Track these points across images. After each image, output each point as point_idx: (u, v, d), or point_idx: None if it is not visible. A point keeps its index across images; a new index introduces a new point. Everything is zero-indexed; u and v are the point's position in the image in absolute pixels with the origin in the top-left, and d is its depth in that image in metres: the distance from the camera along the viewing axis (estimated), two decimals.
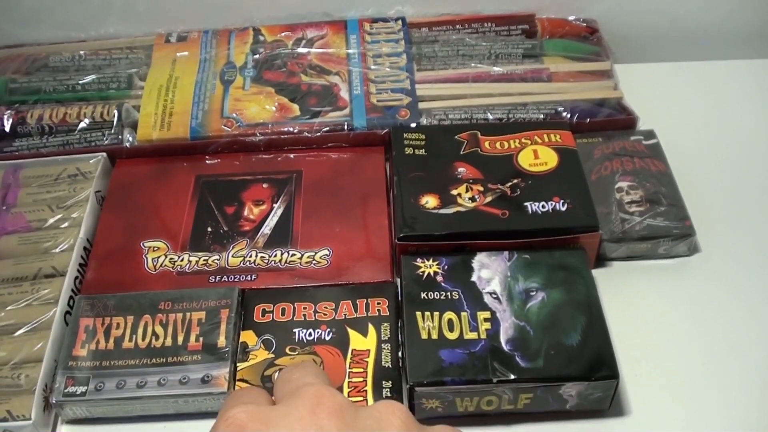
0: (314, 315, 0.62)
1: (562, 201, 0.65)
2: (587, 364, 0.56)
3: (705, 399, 0.59)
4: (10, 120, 0.77)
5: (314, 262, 0.66)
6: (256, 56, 0.81)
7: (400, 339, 0.60)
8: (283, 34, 0.83)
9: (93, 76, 0.80)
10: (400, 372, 0.59)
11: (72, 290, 0.66)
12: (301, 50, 0.81)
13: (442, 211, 0.65)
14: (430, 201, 0.66)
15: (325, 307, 0.63)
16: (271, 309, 0.63)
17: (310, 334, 0.61)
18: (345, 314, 0.62)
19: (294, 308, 0.63)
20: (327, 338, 0.61)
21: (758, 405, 0.59)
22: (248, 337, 0.61)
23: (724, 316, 0.64)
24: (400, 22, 0.83)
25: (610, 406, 0.58)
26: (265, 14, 0.84)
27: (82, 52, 0.84)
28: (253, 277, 0.65)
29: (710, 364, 0.61)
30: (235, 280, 0.65)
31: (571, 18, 0.84)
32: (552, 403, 0.57)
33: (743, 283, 0.66)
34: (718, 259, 0.68)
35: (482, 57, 0.80)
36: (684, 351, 0.62)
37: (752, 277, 0.67)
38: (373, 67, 0.79)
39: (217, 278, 0.65)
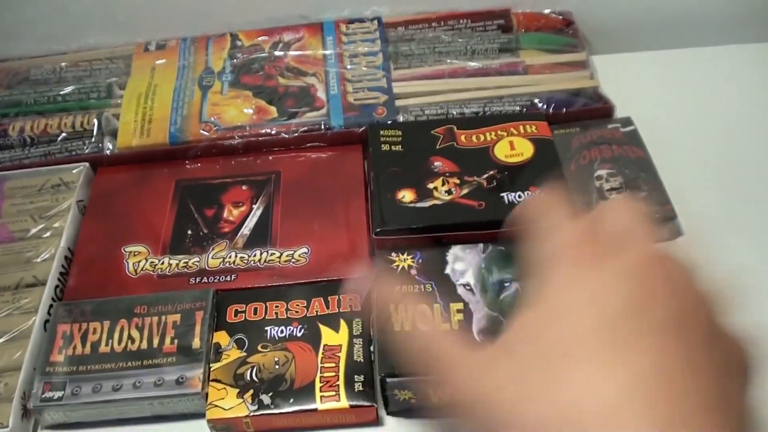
0: (286, 313, 0.62)
1: (538, 190, 0.65)
2: None
3: None
4: None
5: (293, 260, 0.66)
6: (234, 61, 0.81)
7: (371, 334, 0.60)
8: (260, 38, 0.83)
9: (73, 87, 0.81)
10: (372, 366, 0.59)
11: (52, 299, 0.66)
12: (278, 53, 0.81)
13: (418, 204, 0.65)
14: (406, 195, 0.66)
15: (296, 305, 0.63)
16: (244, 309, 0.63)
17: (281, 332, 0.61)
18: (317, 311, 0.62)
19: (266, 307, 0.63)
20: (298, 334, 0.61)
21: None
22: (221, 337, 0.61)
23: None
24: (376, 22, 0.84)
25: None
26: (243, 19, 0.85)
27: (63, 64, 0.85)
28: (232, 277, 0.65)
29: None
30: (215, 281, 0.65)
31: (547, 11, 0.84)
32: None
33: (726, 264, 0.65)
34: (702, 241, 0.67)
35: (458, 53, 0.80)
36: None
37: (736, 258, 0.66)
38: (349, 67, 0.79)
39: (198, 280, 0.65)
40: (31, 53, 0.87)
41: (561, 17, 0.84)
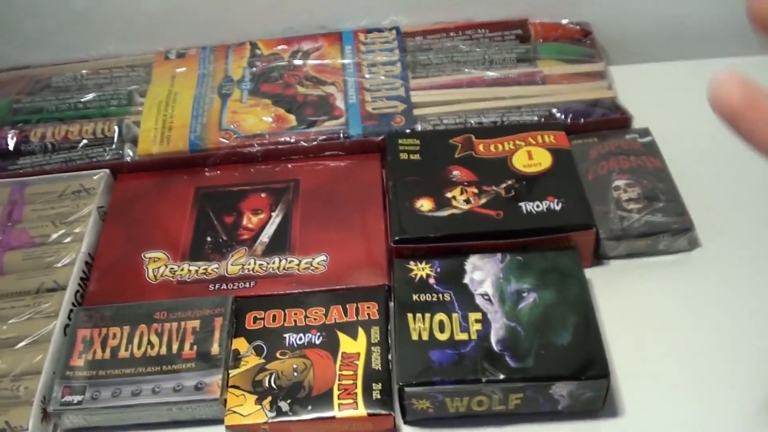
0: (305, 320, 0.63)
1: (556, 200, 0.65)
2: (578, 363, 0.56)
3: (702, 398, 0.59)
4: (14, 139, 0.78)
5: (312, 267, 0.66)
6: (253, 69, 0.82)
7: (389, 342, 0.60)
8: (279, 47, 0.84)
9: (94, 94, 0.82)
10: (390, 374, 0.59)
11: (72, 303, 0.67)
12: (297, 62, 0.82)
13: (436, 213, 0.65)
14: (424, 204, 0.66)
15: (315, 312, 0.63)
16: (263, 316, 0.63)
17: (300, 338, 0.61)
18: (335, 318, 0.62)
19: (285, 314, 0.63)
20: (317, 342, 0.61)
21: (756, 403, 0.58)
22: (240, 344, 0.62)
23: (725, 312, 0.63)
24: (394, 31, 0.84)
25: (603, 406, 0.58)
26: (262, 29, 0.85)
27: (83, 72, 0.86)
28: (251, 284, 0.66)
29: (708, 362, 0.60)
30: (235, 287, 0.66)
31: (564, 21, 0.85)
32: (543, 404, 0.57)
33: (745, 276, 0.65)
34: (719, 253, 0.67)
35: (476, 63, 0.81)
36: (683, 349, 0.61)
37: (753, 270, 0.66)
38: (368, 76, 0.79)
39: (217, 286, 0.66)
40: (52, 61, 0.88)
41: (578, 27, 0.84)
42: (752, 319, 0.63)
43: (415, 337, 0.58)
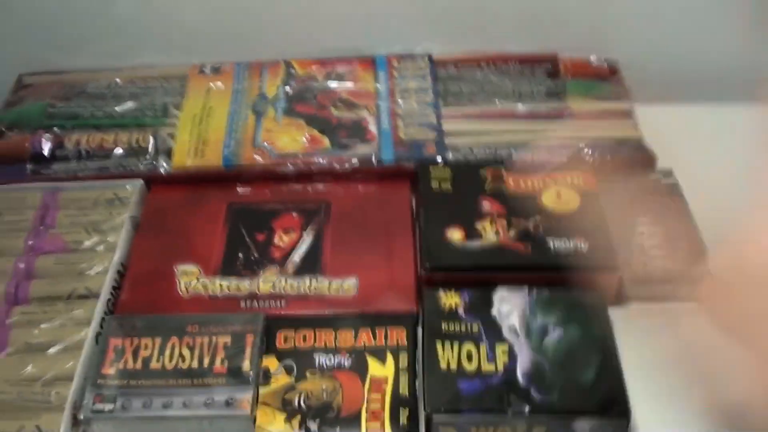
0: (334, 342, 0.64)
1: (583, 240, 0.67)
2: (600, 401, 0.58)
3: None
4: (49, 144, 0.80)
5: (342, 290, 0.68)
6: (288, 89, 0.83)
7: (417, 368, 0.62)
8: (313, 68, 0.86)
9: (129, 104, 0.83)
10: (417, 401, 0.60)
11: (104, 312, 0.68)
12: (331, 84, 0.83)
13: (467, 244, 0.67)
14: (455, 234, 0.68)
15: (344, 335, 0.64)
16: (293, 335, 0.65)
17: (330, 360, 0.63)
18: (364, 342, 0.64)
19: (315, 335, 0.65)
20: (346, 364, 0.63)
21: None
22: (270, 362, 0.63)
23: (744, 359, 0.65)
24: (426, 59, 0.86)
25: None
26: (297, 49, 0.87)
27: (118, 80, 0.88)
28: (282, 303, 0.67)
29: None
30: (266, 305, 0.67)
31: (593, 59, 0.87)
32: None
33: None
34: None
35: (506, 95, 0.83)
36: (699, 394, 0.63)
37: None
38: (400, 102, 0.81)
39: (248, 303, 0.67)
40: (87, 67, 0.90)
41: (606, 65, 0.86)
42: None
43: (443, 365, 0.60)
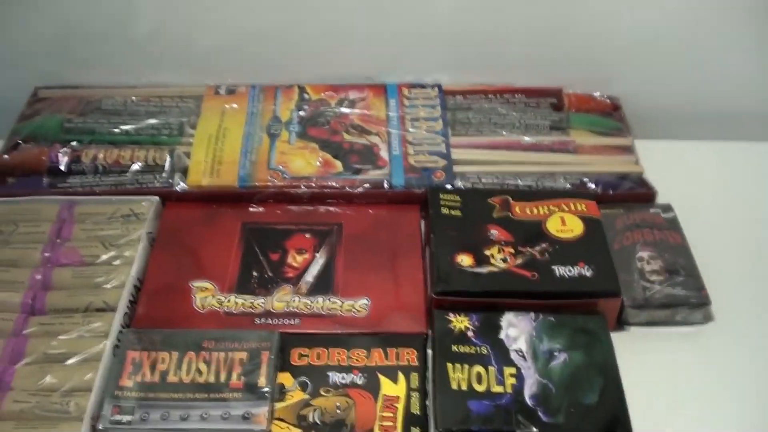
0: (347, 360, 0.66)
1: (586, 266, 0.70)
2: (604, 422, 0.61)
3: None
4: (66, 157, 0.82)
5: (354, 310, 0.70)
6: (301, 113, 0.86)
7: (427, 388, 0.64)
8: (326, 93, 0.88)
9: (146, 122, 0.85)
10: (427, 420, 0.63)
11: (121, 325, 0.70)
12: (343, 110, 0.86)
13: (476, 269, 0.70)
14: (465, 259, 0.70)
15: (357, 354, 0.67)
16: (307, 353, 0.67)
17: (343, 378, 0.65)
18: (376, 361, 0.66)
19: (329, 353, 0.67)
20: (359, 382, 0.65)
21: None
22: (285, 378, 0.65)
23: (737, 382, 0.68)
24: (436, 88, 0.89)
25: None
26: (311, 74, 0.90)
27: (133, 98, 0.90)
28: (296, 321, 0.69)
29: (719, 426, 0.65)
30: (280, 323, 0.69)
31: (596, 94, 0.90)
32: None
33: (755, 350, 0.71)
34: (732, 327, 0.72)
35: (512, 126, 0.86)
36: (696, 414, 0.66)
37: (763, 346, 0.71)
38: (411, 129, 0.84)
39: (263, 320, 0.70)
40: (102, 83, 0.92)
41: (609, 101, 0.89)
42: (760, 392, 0.67)
43: (454, 386, 0.63)
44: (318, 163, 0.81)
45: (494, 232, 0.73)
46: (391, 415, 0.63)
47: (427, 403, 0.64)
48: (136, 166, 0.81)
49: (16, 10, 0.87)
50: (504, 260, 0.70)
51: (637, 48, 0.88)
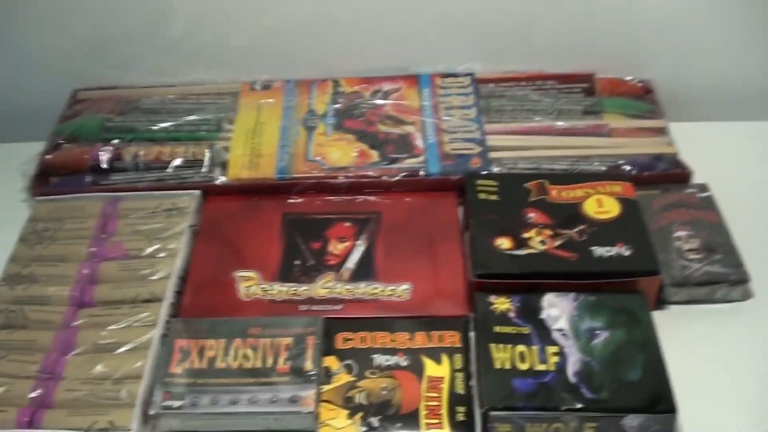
0: (391, 343, 0.68)
1: (625, 247, 0.70)
2: (648, 398, 0.61)
3: None
4: (108, 156, 0.83)
5: (396, 295, 0.71)
6: (337, 106, 0.87)
7: (471, 369, 0.65)
8: (360, 86, 0.90)
9: (184, 119, 0.87)
10: (472, 399, 0.64)
11: (168, 315, 0.71)
12: (378, 101, 0.87)
13: (515, 252, 0.71)
14: (504, 243, 0.71)
15: (401, 337, 0.68)
16: (352, 337, 0.68)
17: (387, 360, 0.67)
18: (420, 344, 0.67)
19: (373, 337, 0.68)
20: (403, 364, 0.66)
21: None
22: (331, 362, 0.67)
23: None
24: (469, 77, 0.90)
25: None
26: (344, 67, 0.91)
27: (171, 96, 0.92)
28: (339, 306, 0.71)
29: (761, 401, 0.66)
30: (323, 309, 0.71)
31: (628, 78, 0.91)
32: None
33: None
34: None
35: (545, 112, 0.87)
36: (739, 390, 0.67)
37: None
38: (445, 118, 0.85)
39: (307, 307, 0.71)
40: (140, 83, 0.94)
41: (641, 85, 0.90)
42: None
43: (498, 365, 0.63)
44: (355, 154, 0.82)
45: (532, 216, 0.74)
46: (436, 395, 0.64)
47: (471, 383, 0.65)
48: (176, 162, 0.82)
49: (52, 14, 0.90)
50: (542, 242, 0.71)
51: (667, 30, 0.88)
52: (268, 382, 0.65)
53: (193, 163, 0.83)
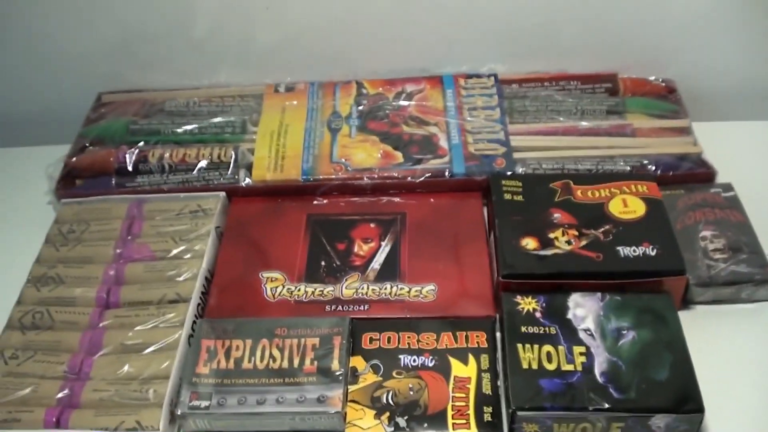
0: (417, 343, 0.68)
1: (651, 246, 0.70)
2: (675, 398, 0.61)
3: None
4: (133, 158, 0.84)
5: (421, 295, 0.71)
6: (360, 107, 0.88)
7: (498, 369, 0.65)
8: (384, 87, 0.90)
9: (209, 121, 0.88)
10: (499, 399, 0.64)
11: (195, 315, 0.72)
12: (401, 103, 0.88)
13: (541, 252, 0.71)
14: (530, 243, 0.71)
15: (427, 337, 0.68)
16: (378, 337, 0.68)
17: (414, 360, 0.67)
18: (446, 344, 0.67)
19: (399, 337, 0.68)
20: (430, 365, 0.66)
21: None
22: (357, 362, 0.67)
23: None
24: (492, 78, 0.90)
25: None
26: (367, 69, 0.92)
27: (195, 99, 0.92)
28: (365, 307, 0.71)
29: None
30: (349, 309, 0.71)
31: (651, 78, 0.91)
32: None
33: None
34: None
35: (569, 113, 0.86)
36: (766, 389, 0.66)
37: None
38: (469, 119, 0.85)
39: (333, 308, 0.71)
40: (164, 85, 0.95)
41: (664, 84, 0.90)
42: None
43: (525, 365, 0.63)
44: (379, 155, 0.82)
45: (557, 216, 0.74)
46: (463, 395, 0.64)
47: (498, 383, 0.65)
48: (202, 164, 0.83)
49: (76, 17, 0.90)
50: (568, 242, 0.71)
51: (690, 30, 0.88)
52: (295, 382, 0.65)
53: (218, 165, 0.83)
